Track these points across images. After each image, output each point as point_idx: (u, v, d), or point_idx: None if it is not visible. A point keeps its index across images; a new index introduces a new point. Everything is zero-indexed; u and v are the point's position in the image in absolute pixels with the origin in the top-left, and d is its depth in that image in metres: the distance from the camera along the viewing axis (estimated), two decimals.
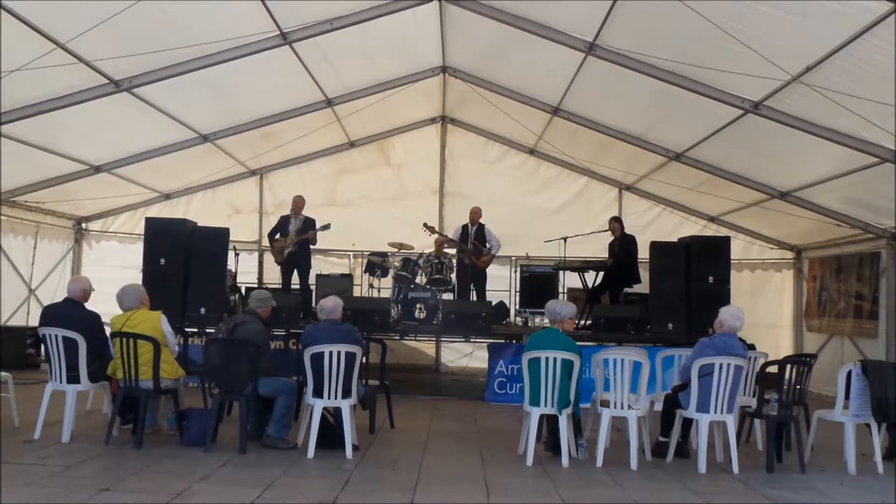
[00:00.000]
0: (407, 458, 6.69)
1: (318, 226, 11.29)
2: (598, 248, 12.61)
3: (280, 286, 11.40)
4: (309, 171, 14.23)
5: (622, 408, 6.71)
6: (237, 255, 11.95)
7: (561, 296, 12.20)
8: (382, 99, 11.64)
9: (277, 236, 11.37)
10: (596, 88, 10.22)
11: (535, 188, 14.19)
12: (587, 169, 13.66)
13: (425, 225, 11.98)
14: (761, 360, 7.57)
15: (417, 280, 11.78)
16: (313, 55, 9.75)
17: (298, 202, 11.49)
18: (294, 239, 11.15)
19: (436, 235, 11.98)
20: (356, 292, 12.83)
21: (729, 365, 6.54)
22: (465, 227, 12.07)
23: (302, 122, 11.83)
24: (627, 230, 11.88)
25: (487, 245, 11.95)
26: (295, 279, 11.34)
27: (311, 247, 11.65)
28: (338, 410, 6.75)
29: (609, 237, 11.89)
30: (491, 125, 13.66)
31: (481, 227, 12.04)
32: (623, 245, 11.51)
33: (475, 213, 12.10)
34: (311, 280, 11.78)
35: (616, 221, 11.86)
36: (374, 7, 8.87)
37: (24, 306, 12.37)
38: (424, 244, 12.29)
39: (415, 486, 5.70)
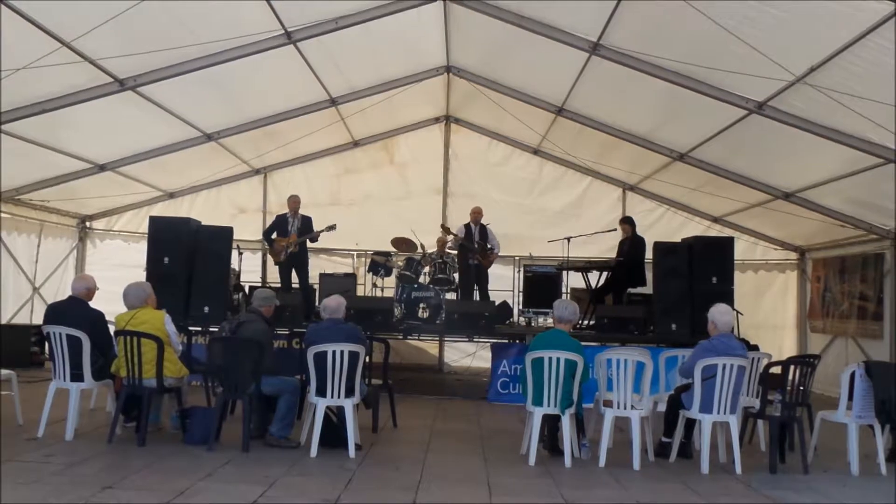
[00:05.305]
0: (410, 457, 6.69)
1: (314, 223, 11.32)
2: (602, 248, 12.63)
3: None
4: (313, 170, 14.25)
5: (625, 408, 6.71)
6: (241, 254, 11.95)
7: (564, 296, 12.19)
8: (387, 98, 11.64)
9: (275, 235, 11.36)
10: (600, 88, 10.21)
11: (538, 188, 14.18)
12: (591, 169, 13.65)
13: (442, 226, 12.20)
14: (765, 361, 7.56)
15: (421, 280, 11.80)
16: (318, 54, 9.77)
17: (295, 202, 11.47)
18: (297, 239, 11.16)
19: (449, 236, 11.95)
20: (359, 291, 12.84)
21: (732, 366, 6.53)
22: (467, 226, 12.06)
23: (306, 121, 11.84)
24: None
25: (490, 245, 11.95)
26: (295, 279, 11.34)
27: (313, 245, 11.67)
28: (341, 409, 6.76)
29: (616, 236, 11.88)
30: (495, 125, 13.65)
31: (483, 227, 12.03)
32: (633, 246, 11.49)
33: (477, 213, 12.09)
34: (311, 279, 11.80)
35: (627, 223, 11.79)
36: (378, 6, 8.88)
37: (29, 304, 12.41)
38: (428, 244, 12.29)
39: (417, 486, 5.70)
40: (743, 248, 13.14)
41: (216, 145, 12.03)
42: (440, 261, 11.83)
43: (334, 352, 6.58)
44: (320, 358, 6.62)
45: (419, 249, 12.06)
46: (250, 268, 12.80)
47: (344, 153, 14.24)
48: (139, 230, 13.45)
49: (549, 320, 10.87)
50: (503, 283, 13.18)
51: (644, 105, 10.24)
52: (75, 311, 6.97)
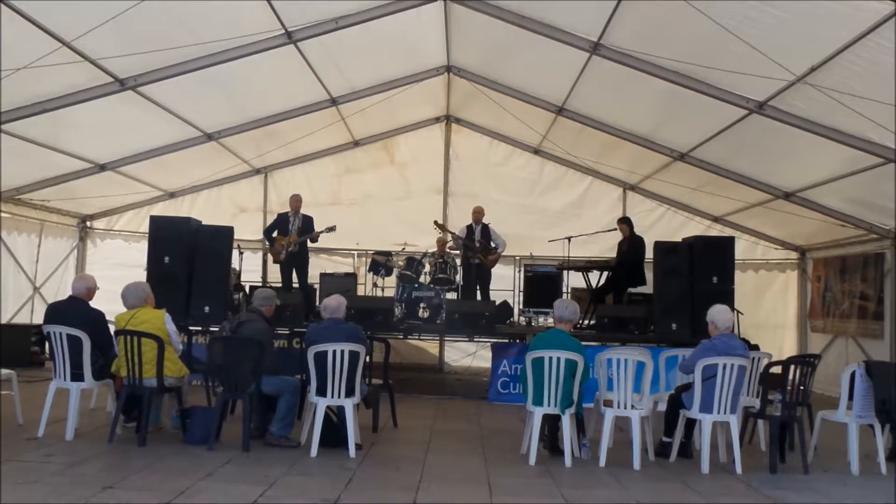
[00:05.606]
0: (410, 457, 6.69)
1: (315, 223, 11.33)
2: (603, 248, 12.63)
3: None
4: (313, 169, 14.25)
5: (625, 408, 6.71)
6: (241, 253, 11.96)
7: (565, 296, 12.19)
8: (387, 98, 11.64)
9: (275, 234, 11.37)
10: (600, 88, 10.20)
11: (539, 188, 14.18)
12: (591, 169, 13.65)
13: (436, 222, 12.15)
14: (765, 361, 7.56)
15: (421, 279, 11.79)
16: (318, 54, 9.77)
17: (296, 201, 11.50)
18: (297, 239, 11.17)
19: (447, 234, 11.94)
20: (360, 291, 12.82)
21: (732, 365, 6.53)
22: (469, 226, 12.05)
23: (306, 120, 11.84)
24: None
25: (493, 244, 11.94)
26: (295, 278, 11.35)
27: (313, 245, 11.68)
28: (341, 409, 6.76)
29: (616, 236, 11.87)
30: (495, 125, 13.65)
31: (485, 226, 12.02)
32: (632, 246, 11.48)
33: (478, 213, 12.07)
34: (311, 279, 11.80)
35: (624, 223, 11.78)
36: (378, 6, 8.87)
37: (29, 304, 12.41)
38: (428, 243, 12.28)
39: (418, 485, 5.70)
40: (743, 248, 13.13)
41: (217, 145, 12.03)
42: (441, 260, 11.82)
43: (335, 351, 6.58)
44: (320, 357, 6.62)
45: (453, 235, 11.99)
46: (251, 267, 12.82)
47: (344, 153, 14.24)
48: (140, 230, 13.45)
49: (550, 320, 10.87)
50: (504, 283, 13.16)
51: (644, 105, 10.24)
52: (76, 310, 6.97)
